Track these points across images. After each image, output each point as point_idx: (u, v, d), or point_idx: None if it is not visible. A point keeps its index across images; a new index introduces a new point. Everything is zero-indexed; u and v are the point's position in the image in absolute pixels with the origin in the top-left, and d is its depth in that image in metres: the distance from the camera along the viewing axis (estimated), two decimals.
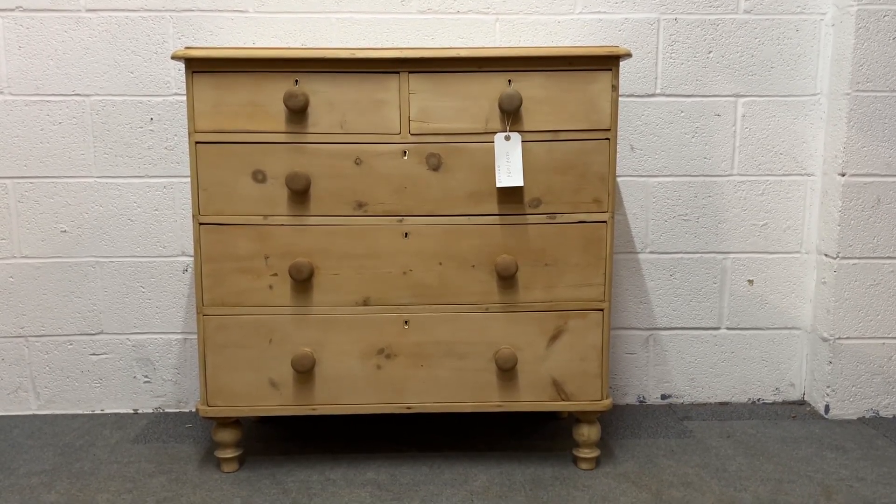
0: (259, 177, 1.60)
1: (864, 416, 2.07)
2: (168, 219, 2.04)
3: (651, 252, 2.11)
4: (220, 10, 1.97)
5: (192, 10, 1.96)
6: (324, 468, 1.74)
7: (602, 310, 1.66)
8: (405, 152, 1.60)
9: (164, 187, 2.03)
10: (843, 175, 1.98)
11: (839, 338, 2.04)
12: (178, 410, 2.13)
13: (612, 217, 1.64)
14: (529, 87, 1.58)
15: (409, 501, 1.59)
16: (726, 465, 1.77)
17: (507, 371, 1.66)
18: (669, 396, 2.18)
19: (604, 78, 1.59)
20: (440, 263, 1.63)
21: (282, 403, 1.67)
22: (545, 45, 2.00)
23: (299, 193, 1.60)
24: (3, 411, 2.10)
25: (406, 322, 1.65)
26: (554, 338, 1.66)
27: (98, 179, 2.02)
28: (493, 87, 1.58)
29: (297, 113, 1.58)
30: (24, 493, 1.64)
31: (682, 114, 2.05)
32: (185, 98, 1.97)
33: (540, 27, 2.00)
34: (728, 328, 2.15)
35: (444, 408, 1.68)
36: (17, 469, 1.76)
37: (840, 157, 1.98)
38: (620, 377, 2.16)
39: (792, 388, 2.18)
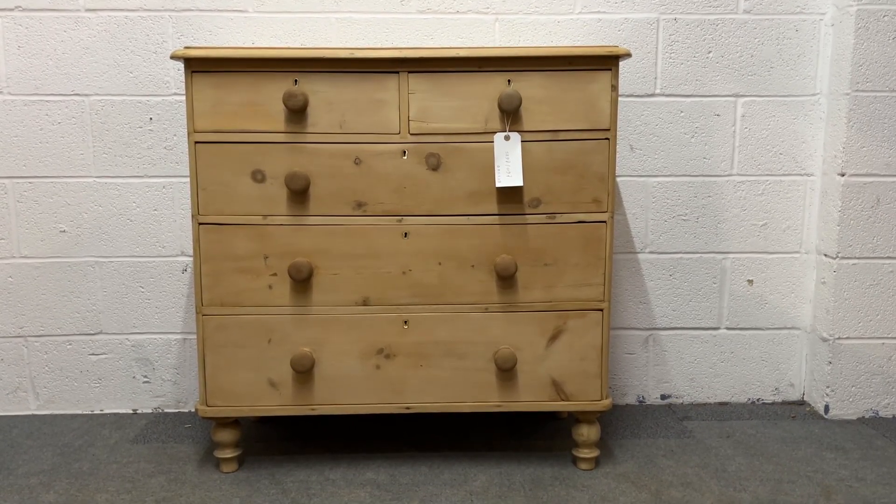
0: (258, 176, 1.60)
1: (863, 417, 2.07)
2: (167, 219, 2.04)
3: (651, 252, 2.11)
4: (219, 10, 1.97)
5: (192, 10, 1.96)
6: (323, 468, 1.74)
7: (601, 310, 1.66)
8: (405, 152, 1.60)
9: (164, 187, 2.03)
10: (843, 175, 1.98)
11: (839, 338, 2.04)
12: (177, 410, 2.12)
13: (612, 217, 1.63)
14: (529, 86, 1.58)
15: (408, 501, 1.59)
16: (726, 466, 1.77)
17: (506, 371, 1.66)
18: (669, 396, 2.18)
19: (603, 78, 1.59)
20: (440, 263, 1.63)
21: (281, 403, 1.67)
22: (545, 45, 2.00)
23: (299, 193, 1.60)
24: (3, 411, 2.10)
25: (405, 322, 1.65)
26: (553, 338, 1.66)
27: (97, 179, 2.02)
28: (493, 86, 1.58)
29: (297, 113, 1.58)
30: (24, 492, 1.64)
31: (682, 114, 2.05)
32: (184, 98, 1.98)
33: (539, 27, 2.00)
34: (728, 328, 2.15)
35: (443, 408, 1.68)
36: (17, 469, 1.76)
37: (840, 157, 1.98)
38: (620, 377, 2.16)
39: (791, 389, 2.18)
